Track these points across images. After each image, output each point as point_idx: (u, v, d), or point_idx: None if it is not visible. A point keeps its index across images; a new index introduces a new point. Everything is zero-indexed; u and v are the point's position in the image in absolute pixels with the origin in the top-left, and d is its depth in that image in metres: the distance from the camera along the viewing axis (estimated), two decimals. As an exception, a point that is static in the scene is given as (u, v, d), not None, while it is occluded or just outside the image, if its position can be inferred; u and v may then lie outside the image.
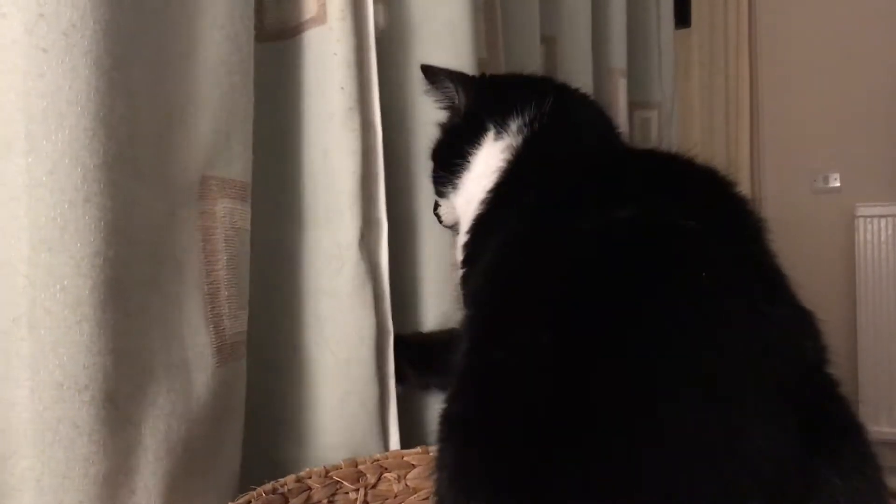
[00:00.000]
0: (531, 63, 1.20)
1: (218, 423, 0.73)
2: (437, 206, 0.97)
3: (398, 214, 0.99)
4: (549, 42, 1.39)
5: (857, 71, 2.72)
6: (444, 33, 1.02)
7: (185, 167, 0.71)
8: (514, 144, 0.83)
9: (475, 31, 1.04)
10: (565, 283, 0.58)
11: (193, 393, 0.69)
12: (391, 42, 1.01)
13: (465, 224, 0.84)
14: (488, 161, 0.84)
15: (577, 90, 0.95)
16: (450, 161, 0.89)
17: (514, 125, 0.84)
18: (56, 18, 0.56)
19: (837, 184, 2.79)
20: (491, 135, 0.86)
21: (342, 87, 0.86)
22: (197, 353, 0.70)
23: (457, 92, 0.92)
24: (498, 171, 0.82)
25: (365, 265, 0.88)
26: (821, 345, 0.59)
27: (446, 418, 0.61)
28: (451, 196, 0.90)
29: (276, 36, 0.92)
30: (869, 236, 2.64)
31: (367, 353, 0.88)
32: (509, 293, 0.63)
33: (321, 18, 0.87)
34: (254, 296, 0.83)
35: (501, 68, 1.15)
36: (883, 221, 2.62)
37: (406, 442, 0.94)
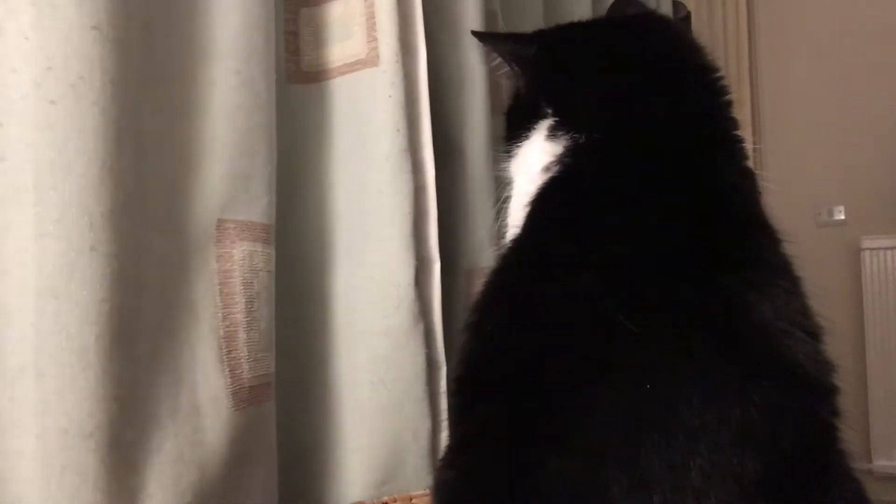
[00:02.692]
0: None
1: (239, 468, 0.69)
2: None
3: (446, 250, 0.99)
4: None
5: (860, 103, 2.67)
6: None
7: (200, 212, 0.69)
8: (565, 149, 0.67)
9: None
10: (517, 359, 0.54)
11: (205, 438, 0.66)
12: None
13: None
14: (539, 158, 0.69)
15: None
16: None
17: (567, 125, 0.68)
18: (64, 71, 0.55)
19: (842, 216, 2.74)
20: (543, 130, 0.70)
21: (398, 129, 0.85)
22: (210, 398, 0.67)
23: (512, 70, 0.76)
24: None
25: (419, 303, 0.88)
26: (820, 416, 0.53)
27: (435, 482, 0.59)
28: None
29: (313, 77, 0.90)
30: (875, 268, 2.57)
31: (420, 389, 0.87)
32: (479, 362, 0.59)
33: (372, 61, 0.86)
34: (300, 338, 0.81)
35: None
36: (889, 253, 2.56)
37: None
